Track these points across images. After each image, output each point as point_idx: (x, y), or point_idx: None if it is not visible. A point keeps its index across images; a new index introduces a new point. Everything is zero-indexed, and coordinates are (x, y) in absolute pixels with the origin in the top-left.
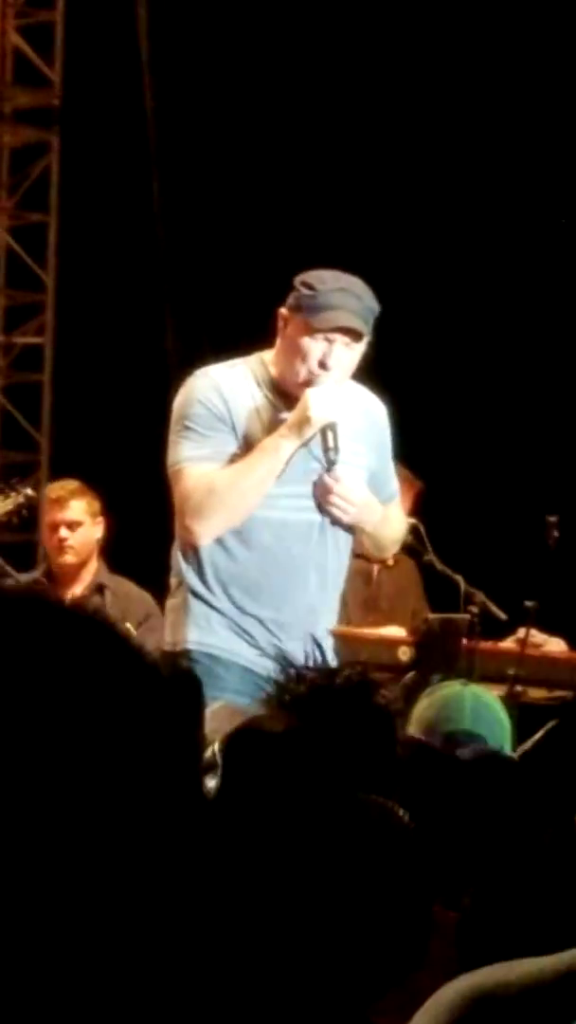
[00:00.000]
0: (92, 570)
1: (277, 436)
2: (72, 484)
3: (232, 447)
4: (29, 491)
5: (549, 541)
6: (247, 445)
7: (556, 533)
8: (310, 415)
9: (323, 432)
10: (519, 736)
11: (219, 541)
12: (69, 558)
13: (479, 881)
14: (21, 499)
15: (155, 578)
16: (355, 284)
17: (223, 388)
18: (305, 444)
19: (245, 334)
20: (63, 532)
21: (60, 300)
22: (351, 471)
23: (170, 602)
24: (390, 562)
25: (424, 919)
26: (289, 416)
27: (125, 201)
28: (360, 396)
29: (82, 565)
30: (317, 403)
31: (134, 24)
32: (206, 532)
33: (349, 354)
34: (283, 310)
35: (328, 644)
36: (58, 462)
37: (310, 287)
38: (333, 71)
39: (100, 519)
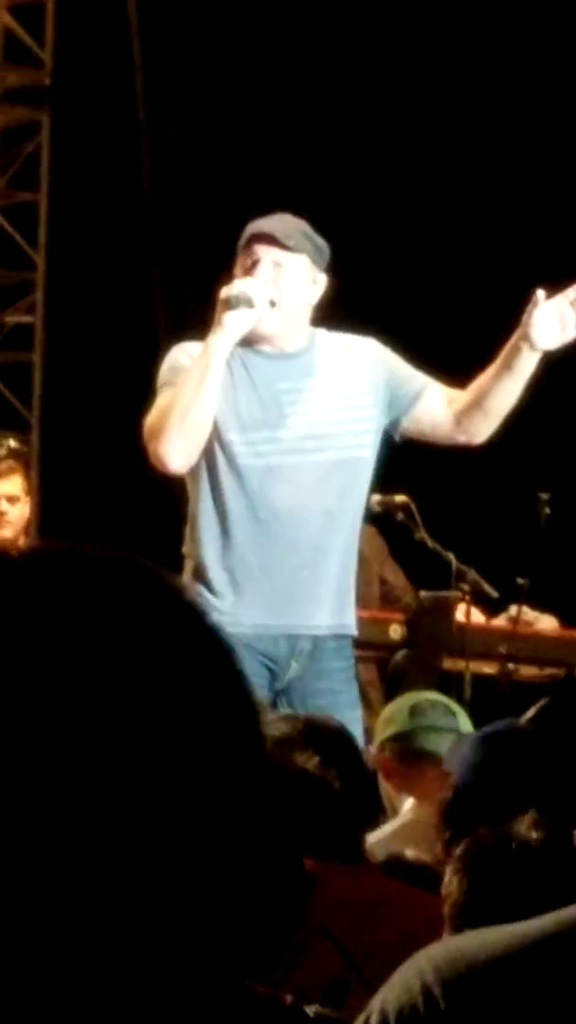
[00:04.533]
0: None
1: (207, 339)
2: (10, 459)
3: None
4: (12, 442)
5: (540, 518)
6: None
7: (547, 510)
8: (220, 296)
9: (243, 300)
10: (513, 714)
11: (215, 496)
12: (5, 532)
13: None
14: (3, 452)
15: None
16: (285, 215)
17: (192, 351)
18: (232, 329)
19: None
20: (3, 505)
21: (50, 279)
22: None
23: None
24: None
25: (298, 873)
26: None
27: (115, 180)
28: (343, 341)
29: (15, 542)
30: (225, 288)
31: (124, 3)
32: (168, 451)
33: (281, 273)
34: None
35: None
36: (48, 441)
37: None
38: (323, 45)
39: (30, 499)
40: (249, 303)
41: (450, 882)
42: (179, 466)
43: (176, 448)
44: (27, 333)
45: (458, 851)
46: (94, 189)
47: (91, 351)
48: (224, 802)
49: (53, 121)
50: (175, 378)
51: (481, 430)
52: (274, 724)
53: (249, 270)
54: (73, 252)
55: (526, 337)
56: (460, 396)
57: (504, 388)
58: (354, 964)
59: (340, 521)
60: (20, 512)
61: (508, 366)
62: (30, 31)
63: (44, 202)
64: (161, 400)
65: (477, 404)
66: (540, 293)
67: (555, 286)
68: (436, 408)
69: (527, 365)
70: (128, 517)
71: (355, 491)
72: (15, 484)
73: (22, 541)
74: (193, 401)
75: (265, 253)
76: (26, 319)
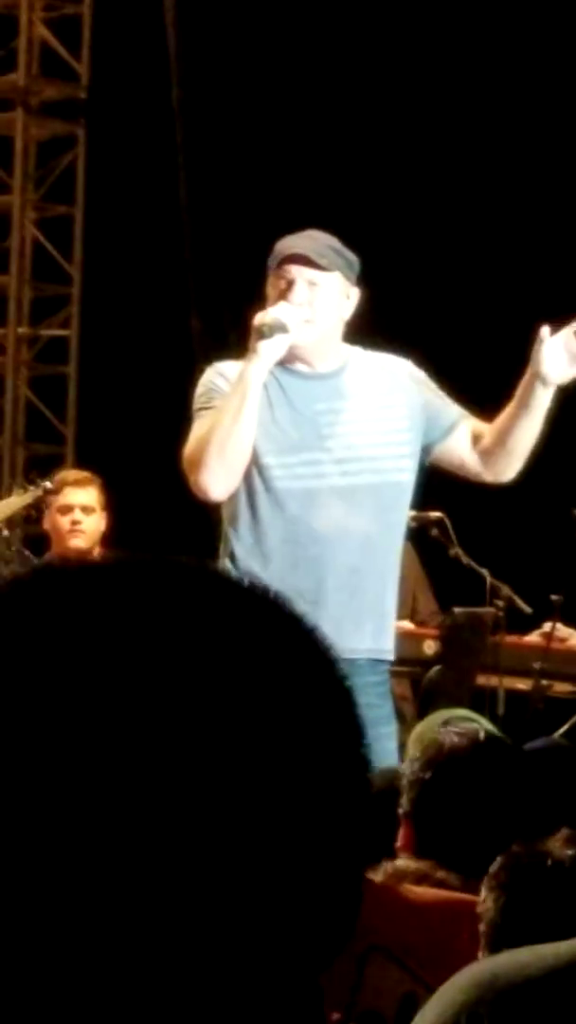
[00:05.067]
0: None
1: (243, 367)
2: (87, 472)
3: None
4: (48, 484)
5: (574, 535)
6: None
7: None
8: (255, 324)
9: (277, 327)
10: (546, 730)
11: (252, 519)
12: (79, 542)
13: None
14: (40, 492)
15: None
16: (315, 232)
17: (227, 372)
18: (267, 357)
19: None
20: (77, 515)
21: (86, 292)
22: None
23: None
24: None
25: (357, 878)
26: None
27: (151, 193)
28: (378, 361)
29: (88, 554)
30: (259, 316)
31: (161, 17)
32: (210, 481)
33: (316, 293)
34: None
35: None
36: (83, 455)
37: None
38: (362, 63)
39: (105, 513)
40: (283, 329)
41: (485, 899)
42: (220, 495)
43: (217, 478)
44: (62, 346)
45: (493, 869)
46: (130, 202)
47: (126, 364)
48: (317, 823)
49: (89, 134)
50: (211, 402)
51: (507, 470)
52: None
53: (284, 292)
54: (109, 265)
55: (537, 374)
56: (485, 434)
57: (523, 426)
58: (417, 976)
59: (379, 544)
60: (95, 524)
61: (524, 404)
62: (66, 44)
63: (80, 215)
64: (198, 428)
65: (500, 444)
66: (544, 330)
67: (560, 320)
68: (465, 445)
69: (542, 401)
70: (162, 531)
71: (394, 514)
72: (91, 495)
73: (96, 553)
74: (232, 431)
75: (299, 274)
76: (61, 332)
